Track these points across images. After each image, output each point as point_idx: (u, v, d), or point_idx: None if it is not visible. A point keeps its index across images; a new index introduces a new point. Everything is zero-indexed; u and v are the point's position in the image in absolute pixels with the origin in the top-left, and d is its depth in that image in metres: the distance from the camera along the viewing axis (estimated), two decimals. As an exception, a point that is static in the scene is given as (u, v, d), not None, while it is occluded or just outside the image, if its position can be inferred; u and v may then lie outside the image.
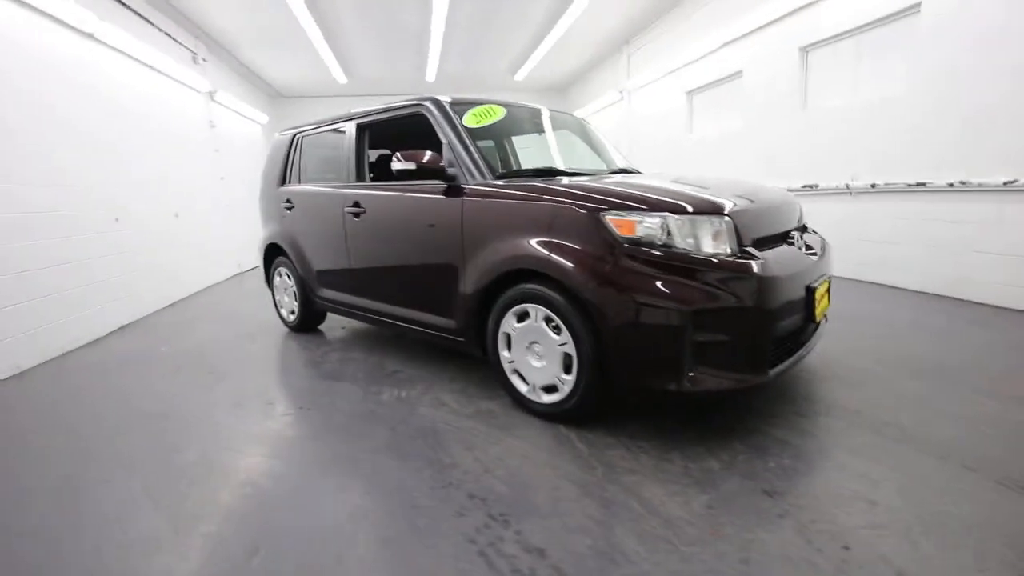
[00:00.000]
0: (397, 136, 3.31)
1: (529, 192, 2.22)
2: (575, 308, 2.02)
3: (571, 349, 2.06)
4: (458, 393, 2.63)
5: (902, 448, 1.90)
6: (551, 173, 2.58)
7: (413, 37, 7.83)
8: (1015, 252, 3.60)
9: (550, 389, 2.20)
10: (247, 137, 8.99)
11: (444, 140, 2.57)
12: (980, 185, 3.73)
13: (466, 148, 2.52)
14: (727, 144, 6.51)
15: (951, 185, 3.90)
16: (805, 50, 5.17)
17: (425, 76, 9.99)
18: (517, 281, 2.25)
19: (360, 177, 3.17)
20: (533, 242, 2.13)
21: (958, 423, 2.07)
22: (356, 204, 3.08)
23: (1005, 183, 3.58)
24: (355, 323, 4.26)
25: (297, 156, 3.79)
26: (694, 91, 7.25)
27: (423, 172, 2.48)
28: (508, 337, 2.31)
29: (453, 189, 2.50)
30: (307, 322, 3.93)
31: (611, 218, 1.93)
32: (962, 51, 3.78)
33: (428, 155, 2.47)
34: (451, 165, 2.52)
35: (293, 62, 8.74)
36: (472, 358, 3.13)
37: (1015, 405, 2.20)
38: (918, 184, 4.16)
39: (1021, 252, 3.57)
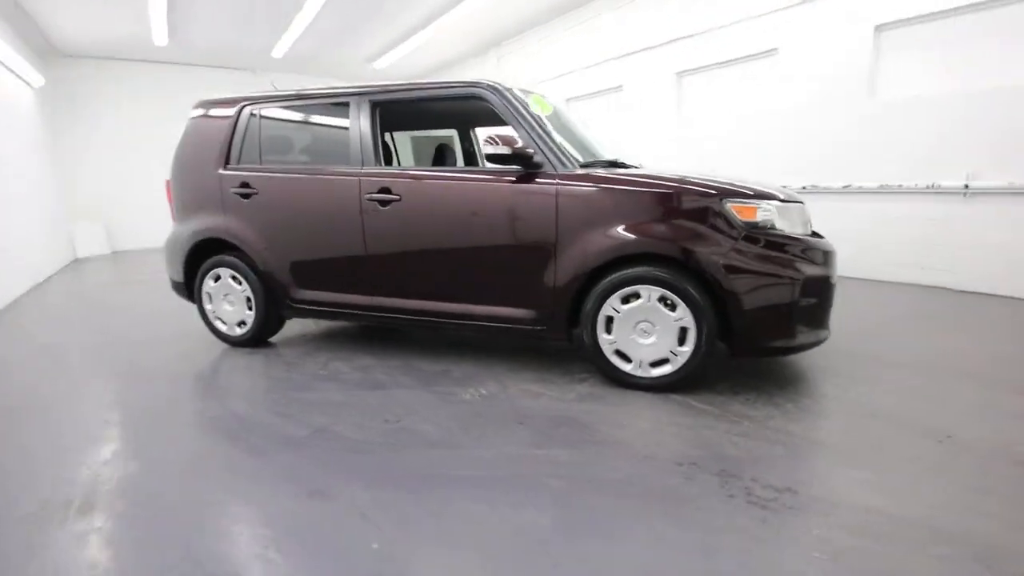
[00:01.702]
0: (408, 117, 3.01)
1: (639, 180, 2.36)
2: (696, 285, 2.26)
3: (688, 323, 2.29)
4: (538, 381, 2.61)
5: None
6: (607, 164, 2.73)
7: (277, 7, 6.83)
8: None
9: (657, 363, 2.40)
10: (10, 107, 6.58)
11: (523, 128, 2.50)
12: (814, 188, 5.13)
13: (549, 136, 2.51)
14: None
15: (804, 188, 5.26)
16: (680, 75, 6.25)
17: (272, 52, 8.74)
18: (616, 266, 2.37)
19: (379, 160, 2.81)
20: (652, 227, 2.29)
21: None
22: (383, 191, 2.72)
23: (805, 188, 5.01)
24: (310, 325, 3.70)
25: (253, 133, 3.10)
26: (573, 99, 7.99)
27: (513, 158, 2.38)
28: (608, 320, 2.42)
29: (534, 176, 2.48)
30: (264, 333, 3.26)
31: (732, 204, 2.22)
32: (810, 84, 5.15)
33: (520, 141, 2.38)
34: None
35: (93, 6, 6.71)
36: (502, 348, 3.09)
37: None
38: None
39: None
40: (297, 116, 3.11)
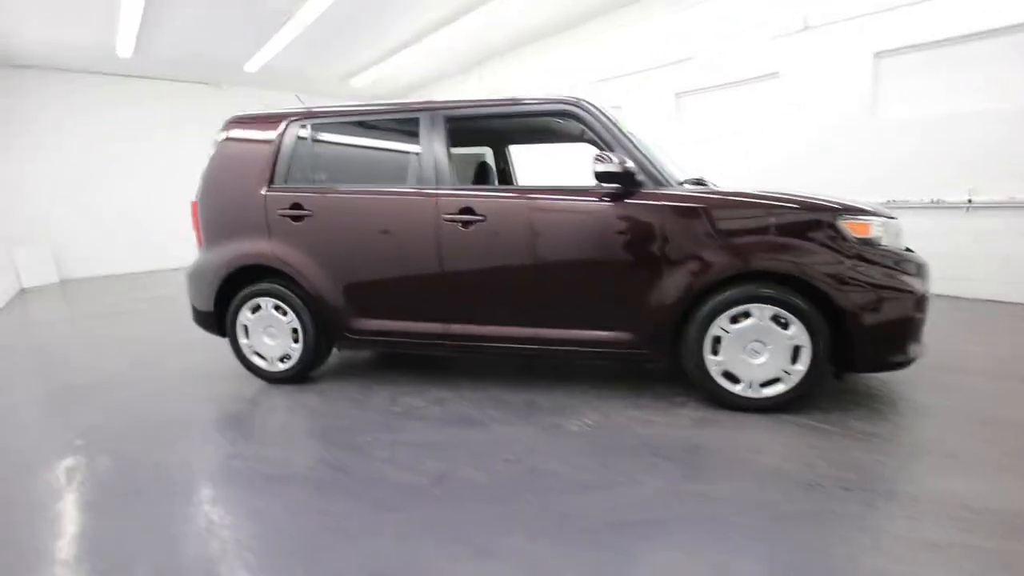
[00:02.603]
0: (481, 134, 2.84)
1: (752, 198, 2.32)
2: (810, 302, 2.24)
3: (803, 341, 2.26)
4: (637, 407, 2.50)
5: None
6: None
7: (263, 18, 6.48)
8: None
9: (767, 383, 2.35)
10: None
11: (620, 146, 2.42)
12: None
13: (648, 153, 2.44)
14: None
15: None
16: (679, 95, 6.44)
17: (245, 66, 8.29)
18: (723, 285, 2.32)
19: (454, 179, 2.63)
20: (767, 244, 2.26)
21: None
22: (466, 211, 2.55)
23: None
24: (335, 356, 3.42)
25: (303, 151, 2.84)
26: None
27: (622, 176, 2.29)
28: (715, 340, 2.36)
29: (631, 194, 2.40)
30: (310, 368, 2.96)
31: (846, 221, 2.22)
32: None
33: (622, 158, 2.30)
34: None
35: (49, 10, 6.08)
36: (576, 372, 2.95)
37: None
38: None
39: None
40: (355, 132, 2.89)
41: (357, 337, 2.85)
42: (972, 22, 4.19)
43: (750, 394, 2.38)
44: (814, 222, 2.24)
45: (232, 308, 2.98)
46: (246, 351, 3.02)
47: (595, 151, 2.45)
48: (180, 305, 5.65)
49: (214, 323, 3.07)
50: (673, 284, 2.36)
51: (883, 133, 4.83)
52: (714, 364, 2.39)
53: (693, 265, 2.32)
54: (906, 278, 2.26)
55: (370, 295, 2.79)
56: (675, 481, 1.87)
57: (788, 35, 5.21)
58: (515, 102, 2.58)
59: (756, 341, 2.33)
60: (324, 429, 2.42)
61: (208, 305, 3.03)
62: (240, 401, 2.80)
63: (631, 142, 2.44)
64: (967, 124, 4.35)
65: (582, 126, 2.49)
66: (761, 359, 2.34)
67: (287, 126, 2.88)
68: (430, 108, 2.68)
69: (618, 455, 2.07)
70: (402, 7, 6.59)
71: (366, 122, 2.86)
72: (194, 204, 3.07)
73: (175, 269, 9.07)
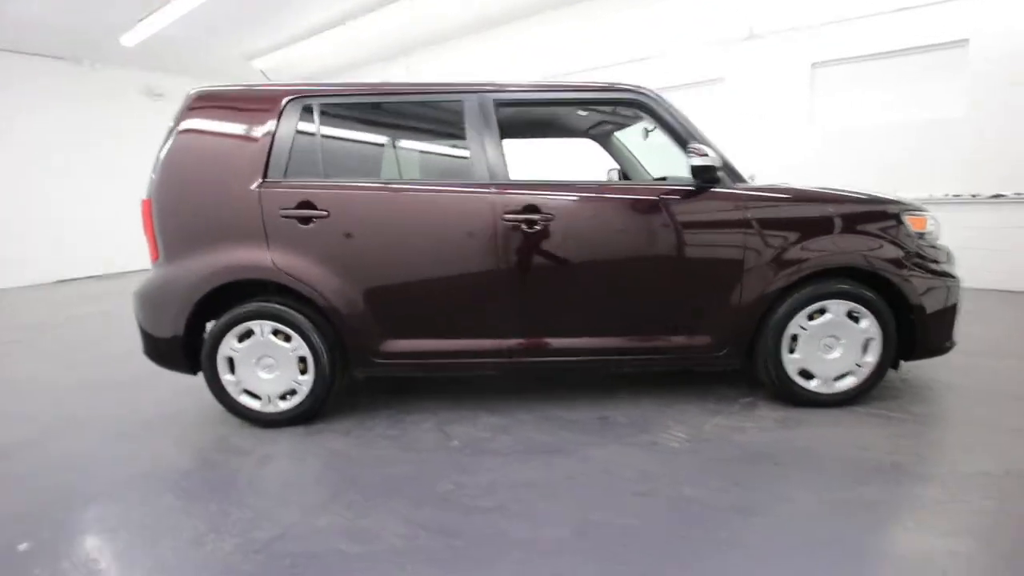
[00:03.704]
0: (528, 124, 2.48)
1: (828, 195, 2.32)
2: (879, 295, 2.29)
3: (874, 334, 2.31)
4: (715, 412, 2.38)
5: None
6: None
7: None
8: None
9: (839, 377, 2.37)
10: None
11: (695, 139, 2.26)
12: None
13: (717, 148, 2.31)
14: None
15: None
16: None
17: (121, 39, 6.82)
18: (800, 283, 2.30)
19: (499, 171, 2.28)
20: (847, 241, 2.27)
21: None
22: (531, 209, 2.22)
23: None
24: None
25: (309, 137, 2.28)
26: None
27: (714, 170, 2.13)
28: (791, 338, 2.32)
29: (706, 190, 2.27)
30: (322, 403, 2.41)
31: (910, 217, 2.30)
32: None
33: (716, 151, 2.14)
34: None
35: None
36: (626, 381, 2.76)
37: None
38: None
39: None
40: (379, 117, 2.39)
41: (388, 361, 2.37)
42: (897, 40, 4.77)
43: (824, 390, 2.38)
44: (885, 218, 2.31)
45: (210, 337, 2.32)
46: (231, 390, 2.37)
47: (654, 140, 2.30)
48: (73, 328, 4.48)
49: (181, 356, 2.37)
50: (757, 282, 2.28)
51: (820, 140, 5.34)
52: (791, 362, 2.36)
53: (778, 262, 2.26)
54: (949, 267, 2.43)
55: (407, 311, 2.34)
56: (820, 490, 1.77)
57: (734, 42, 5.56)
58: (576, 88, 2.32)
59: (831, 337, 2.35)
60: (386, 481, 1.94)
61: (173, 333, 2.33)
62: (237, 455, 2.17)
63: (703, 135, 2.32)
64: (893, 132, 4.95)
65: (649, 117, 2.32)
66: (835, 354, 2.36)
67: (287, 105, 2.30)
68: (477, 90, 2.31)
69: (739, 469, 1.92)
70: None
71: (394, 104, 2.39)
72: (146, 204, 2.34)
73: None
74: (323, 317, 2.33)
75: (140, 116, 8.40)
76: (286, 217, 2.25)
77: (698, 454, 2.04)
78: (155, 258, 2.36)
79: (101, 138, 8.10)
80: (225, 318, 2.31)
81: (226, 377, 2.36)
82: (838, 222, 2.30)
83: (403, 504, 1.78)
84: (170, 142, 2.32)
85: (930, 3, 4.49)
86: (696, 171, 2.17)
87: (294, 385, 2.38)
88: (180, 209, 2.31)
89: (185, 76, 8.76)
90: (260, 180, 2.28)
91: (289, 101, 2.31)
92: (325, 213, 2.25)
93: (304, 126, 2.31)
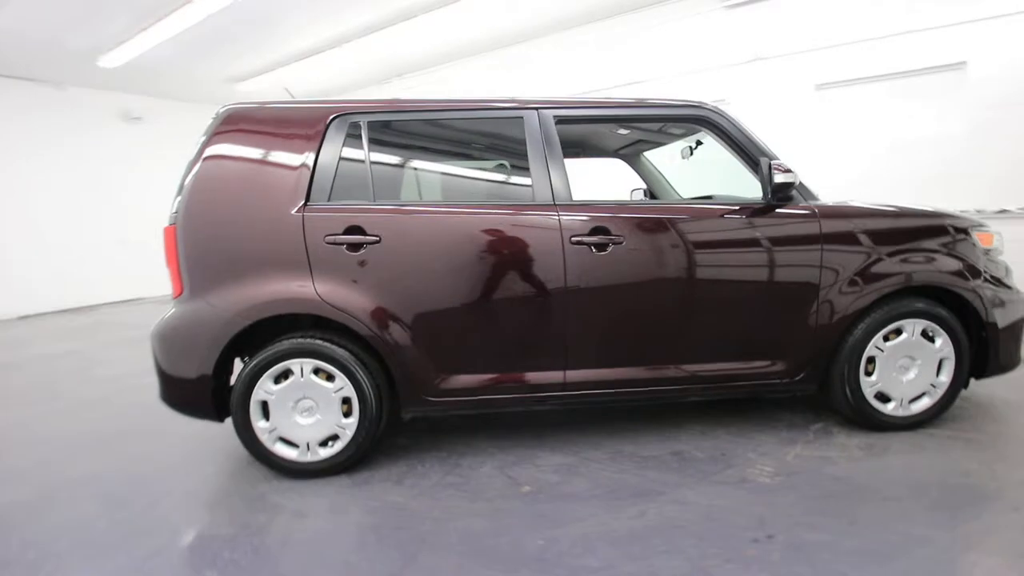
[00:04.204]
0: (585, 142, 2.35)
1: (899, 212, 2.27)
2: (952, 313, 2.23)
3: (947, 354, 2.24)
4: (790, 442, 2.25)
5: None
6: None
7: (148, 4, 5.09)
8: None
9: (914, 399, 2.29)
10: None
11: (765, 155, 2.17)
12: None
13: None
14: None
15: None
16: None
17: (99, 61, 6.47)
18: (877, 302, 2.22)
19: (563, 191, 2.13)
20: (924, 259, 2.21)
21: None
22: (600, 231, 2.07)
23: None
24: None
25: (355, 157, 2.09)
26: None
27: (787, 189, 2.05)
28: (868, 360, 2.23)
29: (775, 208, 2.18)
30: (368, 448, 2.16)
31: (978, 233, 2.27)
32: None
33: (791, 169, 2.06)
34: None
35: None
36: (687, 408, 2.61)
37: None
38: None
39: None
40: (430, 133, 2.22)
41: (443, 399, 2.16)
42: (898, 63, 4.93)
43: (901, 412, 2.28)
44: (957, 234, 2.26)
45: (243, 379, 2.07)
46: (265, 438, 2.10)
47: (729, 158, 2.21)
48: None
49: (208, 401, 2.10)
50: (835, 303, 2.18)
51: (826, 158, 5.44)
52: (868, 385, 2.26)
53: (856, 281, 2.18)
54: (1010, 282, 2.40)
55: (465, 343, 2.14)
56: (946, 527, 1.64)
57: (738, 64, 5.66)
58: (640, 104, 2.22)
59: (906, 357, 2.26)
60: (463, 539, 1.70)
61: (200, 375, 2.06)
62: (282, 515, 1.89)
63: (771, 152, 2.24)
64: (896, 150, 5.07)
65: (715, 133, 2.23)
66: (911, 375, 2.27)
67: (332, 123, 2.11)
68: (537, 106, 2.18)
69: (848, 506, 1.78)
70: (322, 10, 5.78)
71: (447, 121, 2.23)
72: (170, 232, 2.09)
73: None
74: (371, 353, 2.11)
75: (115, 141, 8.00)
76: (332, 244, 2.05)
77: (795, 490, 1.89)
78: (178, 292, 2.11)
79: (74, 163, 7.65)
80: (262, 357, 2.06)
81: (259, 424, 2.10)
82: (913, 239, 2.24)
83: (495, 569, 1.56)
84: (198, 164, 2.10)
85: (930, 28, 4.69)
86: (777, 188, 2.08)
87: (336, 430, 2.13)
88: (211, 237, 2.07)
89: (165, 99, 8.43)
90: (302, 204, 2.07)
91: (334, 119, 2.12)
92: (376, 238, 2.05)
93: (350, 145, 2.13)
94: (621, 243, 2.10)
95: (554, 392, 2.20)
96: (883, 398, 2.29)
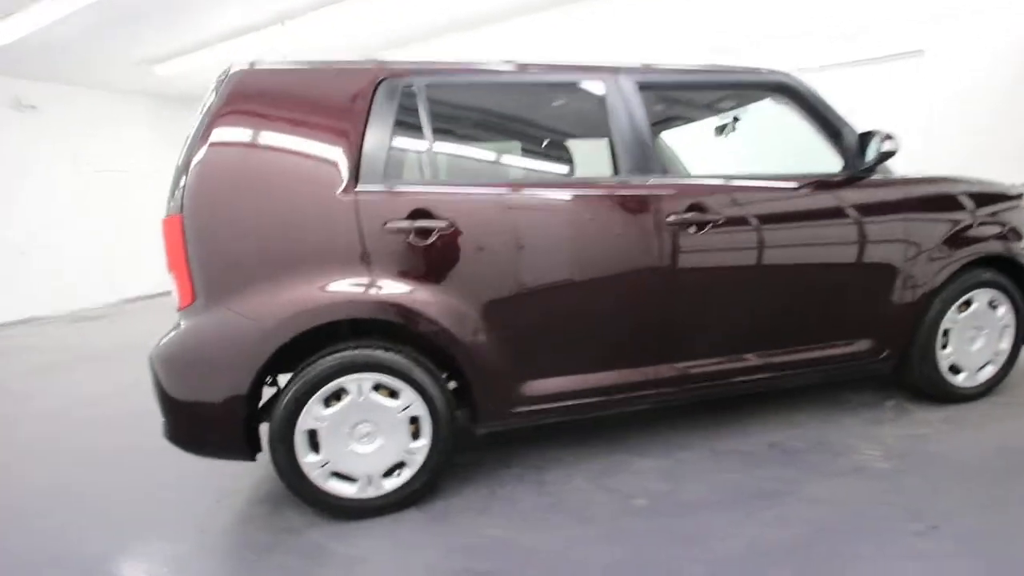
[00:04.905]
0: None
1: (971, 183, 2.24)
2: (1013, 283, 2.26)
3: (1008, 321, 2.27)
4: (875, 422, 2.17)
5: None
6: None
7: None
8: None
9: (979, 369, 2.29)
10: None
11: (846, 126, 2.06)
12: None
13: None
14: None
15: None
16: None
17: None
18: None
19: (654, 166, 1.90)
20: (992, 230, 2.20)
21: None
22: (695, 208, 1.85)
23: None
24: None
25: (412, 127, 1.71)
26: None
27: (887, 158, 1.93)
28: (943, 333, 2.20)
29: (856, 180, 2.08)
30: (439, 473, 1.81)
31: (1027, 200, 2.31)
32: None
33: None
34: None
35: None
36: (761, 397, 2.44)
37: None
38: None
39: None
40: (499, 100, 1.88)
41: (528, 408, 1.85)
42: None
43: (968, 383, 2.28)
44: (1014, 202, 2.29)
45: (285, 406, 1.64)
46: (315, 475, 1.69)
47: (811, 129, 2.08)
48: None
49: (239, 432, 1.66)
50: (919, 276, 2.12)
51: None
52: (943, 358, 2.23)
53: (938, 254, 2.13)
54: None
55: (552, 342, 1.84)
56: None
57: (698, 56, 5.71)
58: (722, 70, 2.03)
59: (974, 328, 2.26)
60: (611, 573, 1.44)
61: (228, 400, 1.61)
62: (358, 566, 1.52)
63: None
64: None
65: (798, 103, 2.09)
66: (978, 345, 2.27)
67: (380, 87, 1.72)
68: (616, 70, 1.92)
69: (986, 486, 1.70)
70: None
71: (515, 86, 1.91)
72: (173, 223, 1.61)
73: None
74: (443, 361, 1.77)
75: (5, 133, 6.74)
76: (396, 231, 1.68)
77: (915, 474, 1.79)
78: (188, 301, 1.63)
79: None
80: (309, 376, 1.64)
81: (308, 458, 1.68)
82: (986, 210, 2.23)
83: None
84: (208, 139, 1.63)
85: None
86: (882, 158, 1.97)
87: (403, 456, 1.76)
88: (232, 230, 1.62)
89: (68, 84, 7.23)
90: (351, 185, 1.68)
91: (383, 81, 1.74)
92: (447, 224, 1.71)
93: (404, 114, 1.75)
94: (719, 222, 1.90)
95: (644, 391, 1.97)
96: (955, 370, 2.28)
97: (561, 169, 2.12)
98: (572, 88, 1.95)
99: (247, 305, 1.62)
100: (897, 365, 2.26)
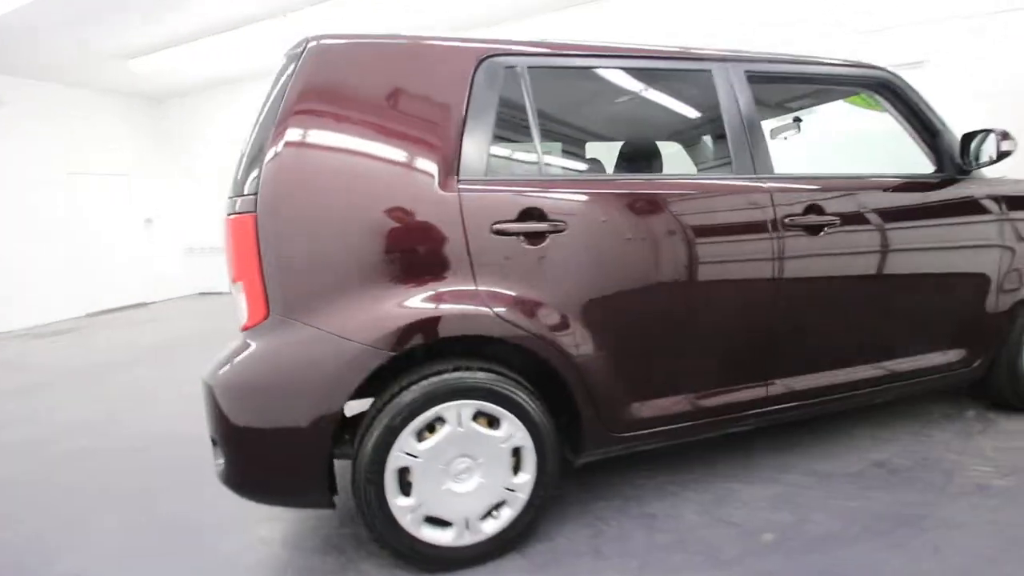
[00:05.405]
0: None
1: None
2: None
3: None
4: (976, 433, 2.08)
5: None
6: None
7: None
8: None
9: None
10: None
11: (944, 126, 1.97)
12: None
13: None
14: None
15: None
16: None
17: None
18: None
19: (769, 164, 1.74)
20: None
21: None
22: (812, 210, 1.70)
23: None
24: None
25: (519, 114, 1.51)
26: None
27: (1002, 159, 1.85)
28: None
29: (952, 182, 2.00)
30: (540, 512, 1.59)
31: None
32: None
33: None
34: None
35: None
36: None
37: None
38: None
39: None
40: (608, 86, 1.67)
41: (633, 433, 1.65)
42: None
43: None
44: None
45: (372, 441, 1.39)
46: (406, 521, 1.44)
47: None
48: None
49: (321, 475, 1.39)
50: (1011, 282, 2.06)
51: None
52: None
53: None
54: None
55: (665, 357, 1.66)
56: None
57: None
58: (823, 62, 1.90)
59: (1058, 333, 2.23)
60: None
61: (316, 433, 1.35)
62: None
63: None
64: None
65: (898, 101, 1.99)
66: (1065, 350, 2.25)
67: (481, 66, 1.51)
68: (725, 58, 1.76)
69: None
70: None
71: (627, 71, 1.71)
72: (243, 224, 1.35)
73: None
74: (552, 383, 1.55)
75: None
76: (504, 234, 1.46)
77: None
78: (261, 316, 1.36)
79: None
80: (403, 404, 1.40)
81: (398, 502, 1.43)
82: None
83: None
84: (288, 124, 1.37)
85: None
86: (999, 157, 1.88)
87: (504, 494, 1.54)
88: (318, 231, 1.36)
89: (31, 78, 6.61)
90: (451, 180, 1.45)
91: (484, 61, 1.52)
92: (560, 226, 1.50)
93: (507, 99, 1.54)
94: (836, 223, 1.77)
95: (750, 411, 1.80)
96: (1030, 377, 2.24)
97: (674, 164, 1.95)
98: (679, 75, 1.78)
99: (337, 320, 1.36)
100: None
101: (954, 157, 1.98)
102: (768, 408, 1.82)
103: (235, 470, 1.40)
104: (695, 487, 1.87)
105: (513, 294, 1.47)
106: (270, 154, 1.36)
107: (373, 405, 1.45)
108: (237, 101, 8.23)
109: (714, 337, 1.72)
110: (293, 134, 1.38)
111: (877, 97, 2.01)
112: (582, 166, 1.87)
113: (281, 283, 1.35)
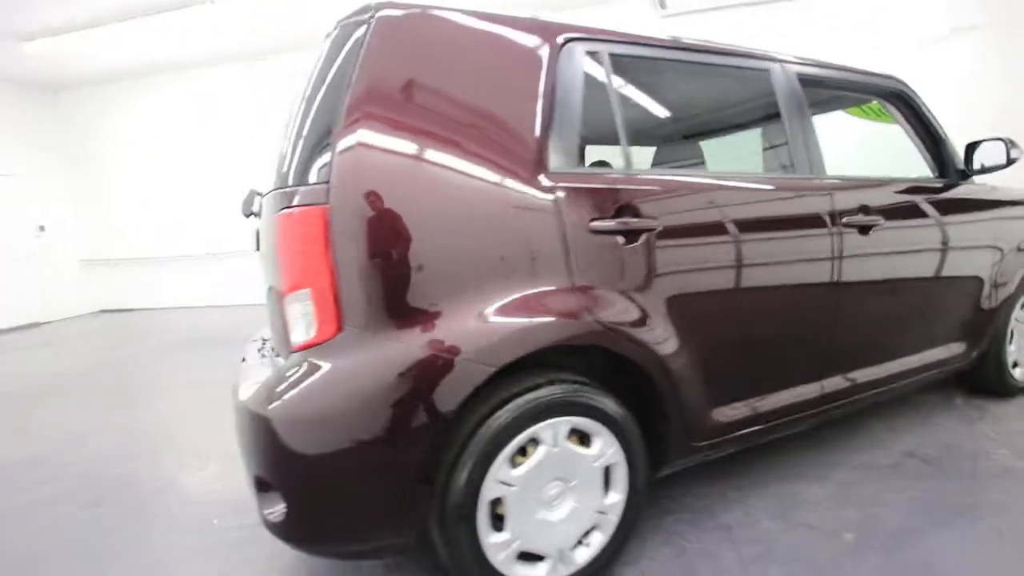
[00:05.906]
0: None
1: None
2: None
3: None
4: (976, 419, 2.23)
5: None
6: None
7: None
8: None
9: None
10: None
11: (939, 135, 2.12)
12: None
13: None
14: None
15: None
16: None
17: None
18: None
19: (821, 164, 1.76)
20: None
21: None
22: (863, 210, 1.73)
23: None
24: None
25: (605, 103, 1.38)
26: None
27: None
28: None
29: (953, 186, 2.16)
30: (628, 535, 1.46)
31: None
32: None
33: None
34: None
35: None
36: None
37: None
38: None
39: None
40: (688, 81, 1.58)
41: (712, 441, 1.58)
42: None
43: (1022, 376, 2.49)
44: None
45: (465, 472, 1.18)
46: (499, 560, 1.24)
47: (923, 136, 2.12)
48: None
49: (417, 510, 1.17)
50: (1005, 277, 2.26)
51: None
52: (1009, 355, 2.39)
53: (1018, 256, 2.29)
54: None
55: (744, 361, 1.60)
56: None
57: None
58: (843, 68, 1.95)
59: (1025, 324, 2.48)
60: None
61: (408, 467, 1.13)
62: None
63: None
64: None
65: (908, 110, 2.11)
66: (1027, 340, 2.50)
67: (565, 48, 1.37)
68: (780, 59, 1.75)
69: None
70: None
71: (706, 68, 1.63)
72: (309, 219, 1.10)
73: None
74: (647, 392, 1.44)
75: None
76: (600, 233, 1.33)
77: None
78: (333, 331, 1.12)
79: None
80: (495, 426, 1.20)
81: (491, 539, 1.24)
82: None
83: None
84: (361, 104, 1.15)
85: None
86: (1007, 163, 2.05)
87: (596, 517, 1.39)
88: (405, 228, 1.14)
89: None
90: (541, 173, 1.30)
91: (568, 42, 1.39)
92: (656, 225, 1.40)
93: (590, 86, 1.42)
94: (880, 224, 1.83)
95: (809, 411, 1.80)
96: (1014, 366, 2.47)
97: (745, 163, 1.93)
98: (742, 73, 1.75)
99: (434, 333, 1.15)
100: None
101: (956, 164, 2.15)
102: (823, 407, 1.83)
103: (302, 517, 1.14)
104: (753, 490, 1.83)
105: (614, 299, 1.35)
106: (347, 140, 1.13)
107: (458, 429, 1.25)
108: (149, 95, 7.36)
109: (786, 337, 1.71)
110: (375, 117, 1.16)
111: (888, 106, 2.14)
112: (670, 160, 1.80)
113: (363, 289, 1.12)
